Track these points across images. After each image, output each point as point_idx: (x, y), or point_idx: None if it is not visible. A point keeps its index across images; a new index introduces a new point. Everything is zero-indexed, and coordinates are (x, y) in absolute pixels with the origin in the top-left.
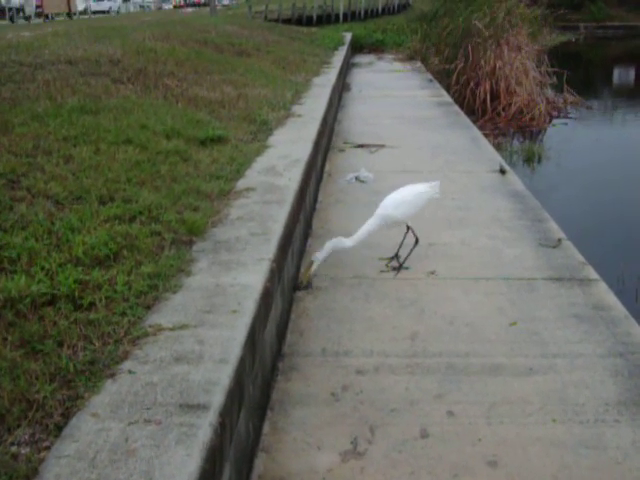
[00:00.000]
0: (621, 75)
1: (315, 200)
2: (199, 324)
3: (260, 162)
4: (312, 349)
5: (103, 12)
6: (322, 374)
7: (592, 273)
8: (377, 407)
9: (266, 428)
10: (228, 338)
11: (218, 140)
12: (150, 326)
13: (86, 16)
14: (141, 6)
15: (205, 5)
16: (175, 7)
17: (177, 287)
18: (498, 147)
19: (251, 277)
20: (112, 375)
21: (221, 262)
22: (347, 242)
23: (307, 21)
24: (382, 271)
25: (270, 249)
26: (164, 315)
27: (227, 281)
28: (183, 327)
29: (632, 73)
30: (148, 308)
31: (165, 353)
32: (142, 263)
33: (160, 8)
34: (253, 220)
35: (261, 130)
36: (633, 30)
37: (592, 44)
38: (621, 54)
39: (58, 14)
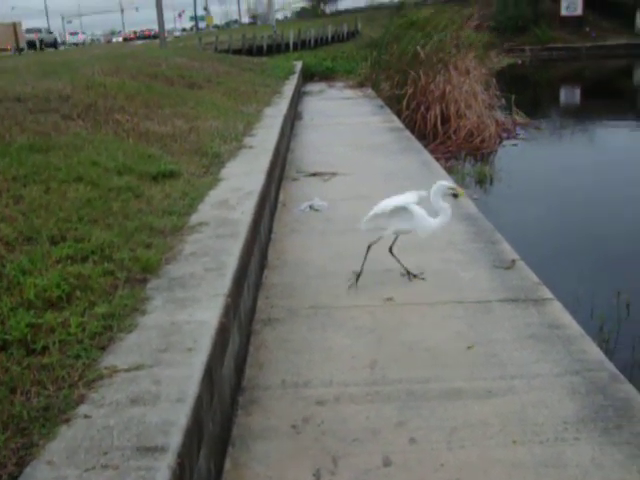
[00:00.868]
0: (567, 95)
1: (270, 231)
2: (155, 364)
3: (213, 196)
4: (272, 382)
5: (77, 44)
6: (282, 406)
7: (546, 293)
8: (339, 437)
9: (228, 464)
10: (185, 377)
11: (170, 175)
12: (105, 368)
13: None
14: (92, 39)
15: (155, 37)
16: (125, 40)
17: (132, 327)
18: (450, 170)
19: (206, 313)
20: (67, 420)
21: (176, 299)
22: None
23: (257, 51)
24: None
25: (225, 284)
26: (119, 356)
27: (182, 318)
28: (139, 367)
29: (577, 93)
30: (103, 349)
31: (121, 395)
32: (96, 304)
33: (109, 41)
34: (207, 255)
35: (213, 163)
36: (576, 51)
37: (538, 66)
38: (566, 75)
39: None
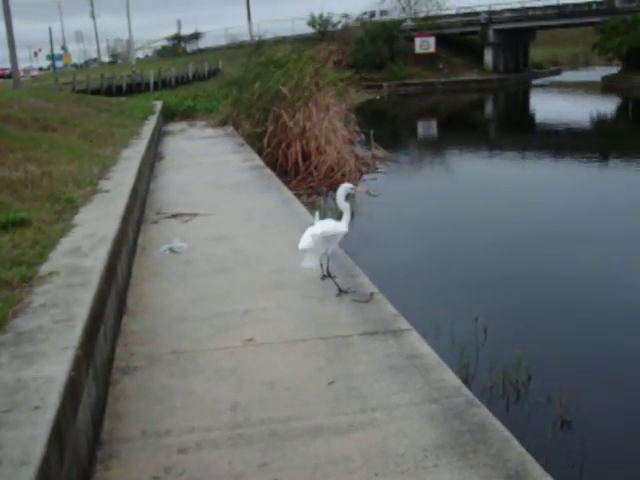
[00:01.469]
0: (424, 128)
1: (129, 276)
2: None
3: (65, 243)
4: (132, 433)
5: None
6: (143, 458)
7: (404, 324)
8: None
9: None
10: (30, 438)
11: (20, 223)
12: None
13: None
14: None
15: (10, 77)
16: None
17: None
18: (312, 206)
19: (55, 368)
20: None
21: (23, 355)
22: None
23: (117, 91)
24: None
25: (75, 336)
26: None
27: (29, 375)
28: None
29: (434, 126)
30: None
31: None
32: None
33: None
34: (57, 306)
35: (66, 209)
36: (430, 86)
37: (396, 101)
38: (422, 109)
39: None
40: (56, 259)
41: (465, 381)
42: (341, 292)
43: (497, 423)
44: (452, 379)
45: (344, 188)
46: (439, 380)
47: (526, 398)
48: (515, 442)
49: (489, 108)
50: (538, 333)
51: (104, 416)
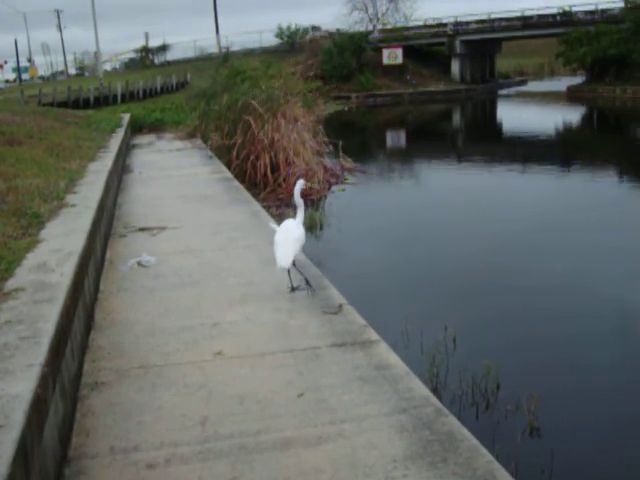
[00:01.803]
0: (393, 139)
1: (97, 290)
2: None
3: (31, 259)
4: (99, 449)
5: None
6: (111, 475)
7: (373, 335)
8: None
9: None
10: None
11: None
12: None
13: None
14: None
15: None
16: None
17: None
18: (281, 217)
19: (20, 386)
20: None
21: None
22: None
23: (84, 103)
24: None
25: (41, 353)
26: None
27: None
28: None
29: (402, 136)
30: None
31: None
32: None
33: None
34: (22, 323)
35: (32, 224)
36: (398, 97)
37: (364, 112)
38: (391, 119)
39: None
40: (22, 275)
41: (435, 390)
42: (309, 285)
43: (466, 432)
44: (421, 389)
45: (300, 184)
46: (408, 390)
47: (495, 406)
48: (484, 450)
49: (456, 118)
50: (507, 342)
51: (72, 433)
